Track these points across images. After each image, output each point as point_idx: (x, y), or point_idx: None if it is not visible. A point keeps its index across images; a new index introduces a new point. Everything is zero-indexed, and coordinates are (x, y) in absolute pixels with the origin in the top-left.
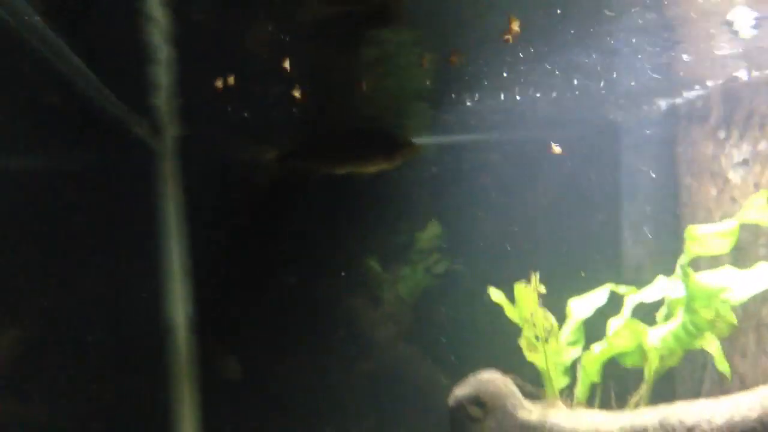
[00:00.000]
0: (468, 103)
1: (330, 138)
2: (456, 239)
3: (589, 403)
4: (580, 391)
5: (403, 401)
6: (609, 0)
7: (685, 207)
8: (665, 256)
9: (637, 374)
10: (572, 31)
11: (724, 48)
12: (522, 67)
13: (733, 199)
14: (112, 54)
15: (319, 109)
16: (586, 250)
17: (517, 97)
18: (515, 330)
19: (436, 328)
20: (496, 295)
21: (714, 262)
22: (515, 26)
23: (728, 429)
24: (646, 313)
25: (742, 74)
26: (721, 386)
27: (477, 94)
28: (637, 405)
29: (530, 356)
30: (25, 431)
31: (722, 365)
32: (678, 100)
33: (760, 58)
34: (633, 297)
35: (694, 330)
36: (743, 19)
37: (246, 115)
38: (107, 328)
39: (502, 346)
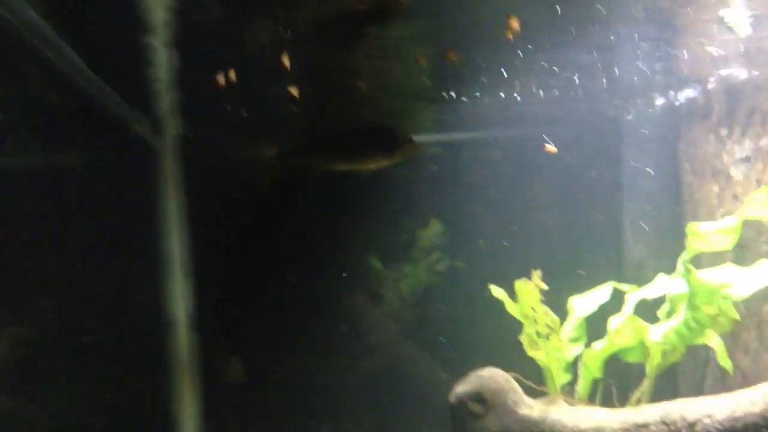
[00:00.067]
0: (468, 101)
1: (330, 135)
2: (457, 237)
3: (591, 399)
4: (582, 387)
5: (404, 399)
6: None
7: (687, 204)
8: (667, 253)
9: (639, 371)
10: (572, 29)
11: (724, 45)
12: (522, 65)
13: (736, 197)
14: (112, 52)
15: (318, 107)
16: (588, 247)
17: (517, 95)
18: (516, 327)
19: (438, 326)
20: (497, 291)
21: (716, 259)
22: (515, 24)
23: (730, 424)
24: (648, 311)
25: (743, 71)
26: (724, 383)
27: (477, 92)
28: (638, 401)
29: (532, 353)
30: (24, 429)
31: (724, 361)
32: (679, 97)
33: (759, 56)
34: (634, 294)
35: (696, 326)
36: (741, 16)
37: (246, 113)
38: (108, 326)
39: (502, 343)
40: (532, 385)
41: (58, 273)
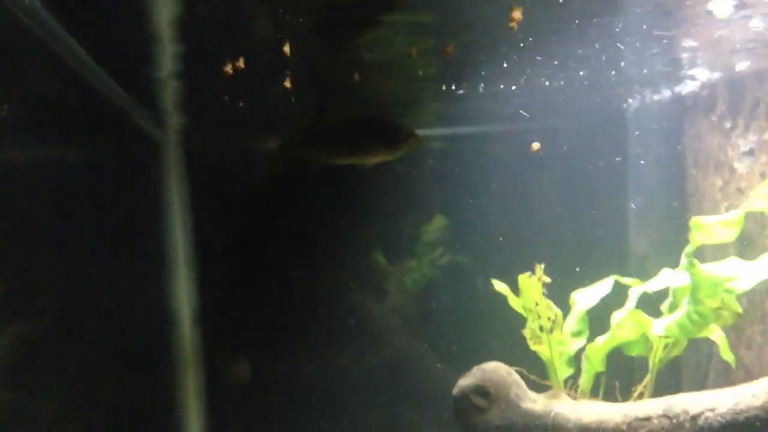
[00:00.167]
0: (471, 95)
1: (332, 129)
2: (461, 232)
3: (594, 393)
4: (585, 381)
5: (408, 393)
6: None
7: (691, 197)
8: (670, 246)
9: (642, 365)
10: (576, 21)
11: (729, 37)
12: (525, 58)
13: (740, 190)
14: (114, 45)
15: (320, 99)
16: (591, 241)
17: (521, 88)
18: (519, 321)
19: (441, 320)
20: (499, 286)
21: (719, 252)
22: (517, 14)
23: (732, 417)
24: (651, 305)
25: (747, 64)
26: (727, 377)
27: (480, 85)
28: (641, 395)
29: (534, 347)
30: (28, 426)
31: (727, 355)
32: (683, 90)
33: (764, 48)
34: (637, 288)
35: (699, 319)
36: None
37: (249, 106)
38: (111, 322)
39: (506, 337)
40: (536, 379)
41: (60, 269)
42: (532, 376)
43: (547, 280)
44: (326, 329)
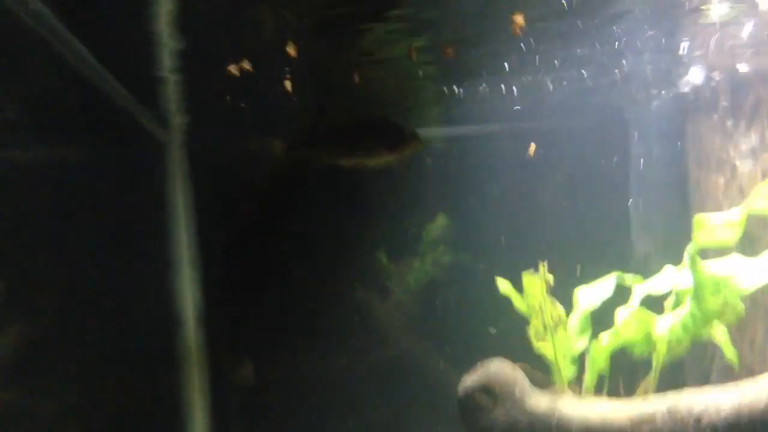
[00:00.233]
0: (474, 95)
1: (336, 130)
2: (464, 231)
3: (598, 392)
4: (589, 380)
5: (411, 392)
6: None
7: (693, 197)
8: (673, 245)
9: (645, 364)
10: (579, 22)
11: (731, 36)
12: (529, 59)
13: (742, 189)
14: (116, 44)
15: (322, 100)
16: (594, 240)
17: (524, 89)
18: (522, 320)
19: (444, 319)
20: (503, 285)
21: (721, 251)
22: (520, 20)
23: (735, 415)
24: (655, 303)
25: (749, 63)
26: (729, 376)
27: (483, 86)
28: (645, 394)
29: (538, 346)
30: (30, 426)
31: (730, 353)
32: (685, 90)
33: (766, 47)
34: (641, 286)
35: (702, 318)
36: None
37: (253, 106)
38: (116, 322)
39: (509, 335)
40: (540, 377)
41: (64, 269)
42: (538, 375)
43: (551, 278)
44: (330, 329)
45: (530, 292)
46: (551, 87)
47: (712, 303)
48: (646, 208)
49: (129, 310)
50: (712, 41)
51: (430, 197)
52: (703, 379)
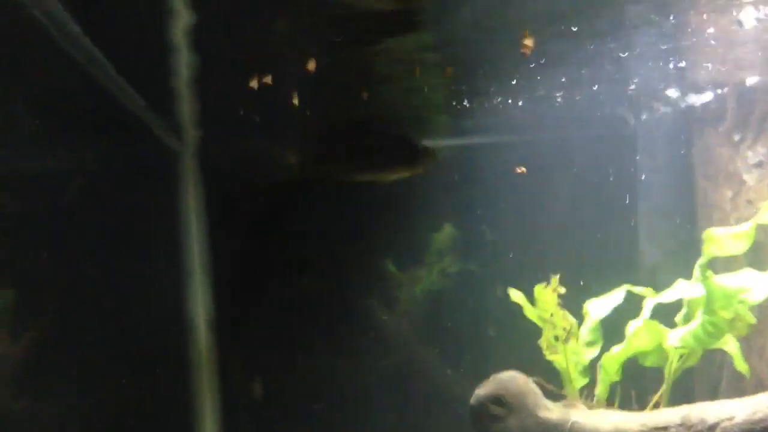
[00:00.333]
0: (481, 107)
1: (351, 145)
2: (471, 241)
3: (609, 403)
4: (600, 390)
5: (418, 400)
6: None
7: (701, 209)
8: (681, 258)
9: (655, 375)
10: (587, 35)
11: (738, 49)
12: (537, 70)
13: (749, 201)
14: (133, 53)
15: (335, 113)
16: (602, 252)
17: (531, 101)
18: (529, 329)
19: (451, 328)
20: (515, 295)
21: (731, 264)
22: (529, 42)
23: (749, 427)
24: (664, 315)
25: (756, 77)
26: (738, 387)
27: (490, 97)
28: (657, 405)
29: (550, 356)
30: (40, 430)
31: (741, 365)
32: (693, 102)
33: None
34: (652, 299)
35: (714, 330)
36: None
37: (267, 118)
38: (127, 326)
39: (517, 346)
40: (553, 389)
41: (76, 274)
42: (550, 385)
43: (563, 290)
44: (337, 336)
45: (542, 304)
46: (559, 100)
47: (724, 315)
48: (654, 220)
49: (140, 316)
50: (720, 54)
51: (438, 207)
52: (712, 389)
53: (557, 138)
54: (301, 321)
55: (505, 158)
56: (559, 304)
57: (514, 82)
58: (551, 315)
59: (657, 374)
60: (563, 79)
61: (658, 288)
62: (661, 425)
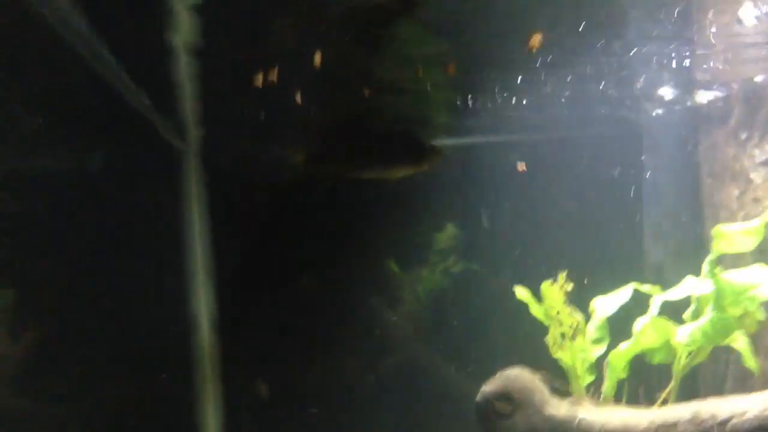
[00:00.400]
0: (485, 106)
1: (357, 143)
2: (475, 240)
3: (616, 400)
4: (608, 387)
5: (421, 400)
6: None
7: (707, 208)
8: (686, 257)
9: (661, 373)
10: (592, 32)
11: (744, 47)
12: (542, 69)
13: (756, 200)
14: (135, 52)
15: (340, 111)
16: (607, 251)
17: (536, 99)
18: (533, 328)
19: (454, 328)
20: (521, 292)
21: (737, 261)
22: (536, 41)
23: (760, 422)
24: (671, 313)
25: (763, 75)
26: (744, 384)
27: (494, 96)
28: (664, 402)
29: (557, 353)
30: (40, 428)
31: (750, 362)
32: (699, 100)
33: None
34: (660, 296)
35: (723, 327)
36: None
37: (271, 116)
38: (130, 327)
39: (521, 344)
40: (559, 385)
41: (78, 274)
42: (558, 382)
43: (569, 287)
44: (340, 337)
45: (549, 301)
46: (564, 98)
47: (733, 311)
48: (659, 218)
49: (143, 315)
50: (727, 52)
51: (441, 206)
52: (718, 389)
53: (561, 137)
54: (303, 321)
55: (508, 157)
56: (565, 301)
57: (518, 81)
58: (558, 312)
59: (663, 372)
60: (568, 78)
61: (663, 287)
62: (670, 421)
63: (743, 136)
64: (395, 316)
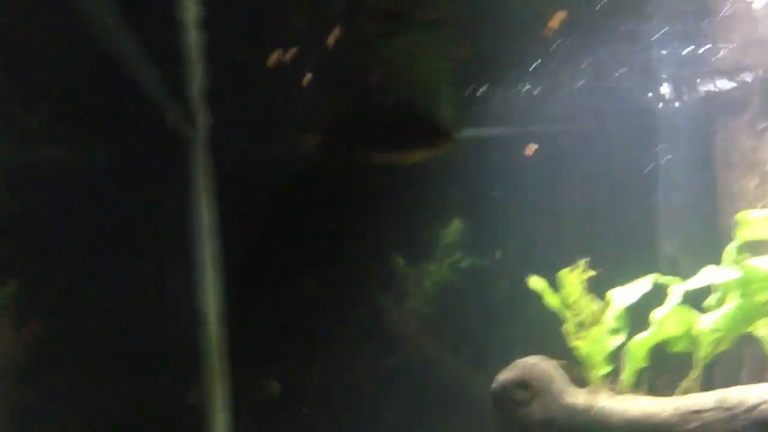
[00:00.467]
0: (495, 95)
1: (373, 127)
2: (484, 233)
3: (635, 389)
4: (626, 376)
5: (428, 395)
6: None
7: (723, 199)
8: (701, 249)
9: (680, 363)
10: (608, 20)
11: (762, 36)
12: (555, 58)
13: None
14: (145, 26)
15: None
16: (620, 244)
17: (547, 89)
18: (541, 323)
19: (461, 322)
20: (536, 282)
21: (757, 249)
22: (557, 21)
23: None
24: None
25: None
26: (761, 377)
27: (504, 86)
28: (686, 391)
29: (574, 342)
30: (48, 424)
31: None
32: (716, 90)
33: None
34: (681, 284)
35: (748, 314)
36: None
37: (282, 101)
38: (137, 321)
39: (529, 339)
40: (578, 373)
41: (88, 266)
42: (577, 370)
43: (591, 273)
44: (346, 332)
45: (568, 288)
46: (578, 87)
47: (760, 298)
48: (674, 210)
49: (150, 310)
50: (745, 41)
51: (450, 200)
52: (733, 378)
53: (575, 128)
54: (310, 316)
55: (519, 149)
56: (585, 289)
57: (528, 70)
58: (576, 300)
59: (681, 363)
60: (581, 67)
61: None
62: (695, 408)
63: (761, 126)
64: (401, 310)
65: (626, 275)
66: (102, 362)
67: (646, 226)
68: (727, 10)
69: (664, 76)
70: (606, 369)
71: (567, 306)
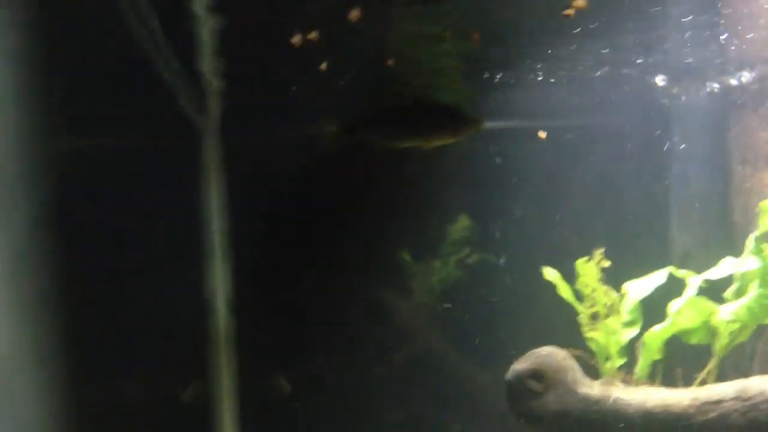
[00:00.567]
0: (505, 89)
1: (394, 111)
2: (495, 227)
3: (649, 381)
4: (641, 368)
5: (433, 391)
6: None
7: (737, 194)
8: (714, 244)
9: (696, 355)
10: (622, 12)
11: None
12: (567, 50)
13: None
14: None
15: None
16: (632, 239)
17: (559, 82)
18: (549, 318)
19: (467, 319)
20: (550, 273)
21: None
22: (581, 2)
23: None
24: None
25: None
26: None
27: (515, 79)
28: (703, 382)
29: (589, 333)
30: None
31: None
32: (731, 84)
33: None
34: (698, 276)
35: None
36: None
37: (299, 86)
38: (148, 309)
39: (534, 334)
40: (593, 364)
41: (99, 255)
42: (592, 360)
43: (607, 264)
44: (352, 327)
45: (584, 278)
46: (590, 80)
47: None
48: (687, 205)
49: (160, 297)
50: (761, 34)
51: (458, 196)
52: (744, 369)
53: (587, 123)
54: (316, 311)
55: (528, 143)
56: (601, 279)
57: (539, 66)
58: (592, 291)
59: (697, 354)
60: (594, 61)
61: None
62: (714, 398)
63: None
64: (407, 306)
65: (639, 270)
66: (107, 350)
67: (659, 220)
68: (744, 2)
69: (677, 70)
70: (620, 361)
71: (584, 295)
